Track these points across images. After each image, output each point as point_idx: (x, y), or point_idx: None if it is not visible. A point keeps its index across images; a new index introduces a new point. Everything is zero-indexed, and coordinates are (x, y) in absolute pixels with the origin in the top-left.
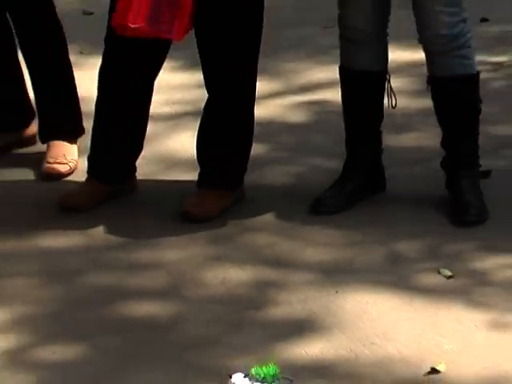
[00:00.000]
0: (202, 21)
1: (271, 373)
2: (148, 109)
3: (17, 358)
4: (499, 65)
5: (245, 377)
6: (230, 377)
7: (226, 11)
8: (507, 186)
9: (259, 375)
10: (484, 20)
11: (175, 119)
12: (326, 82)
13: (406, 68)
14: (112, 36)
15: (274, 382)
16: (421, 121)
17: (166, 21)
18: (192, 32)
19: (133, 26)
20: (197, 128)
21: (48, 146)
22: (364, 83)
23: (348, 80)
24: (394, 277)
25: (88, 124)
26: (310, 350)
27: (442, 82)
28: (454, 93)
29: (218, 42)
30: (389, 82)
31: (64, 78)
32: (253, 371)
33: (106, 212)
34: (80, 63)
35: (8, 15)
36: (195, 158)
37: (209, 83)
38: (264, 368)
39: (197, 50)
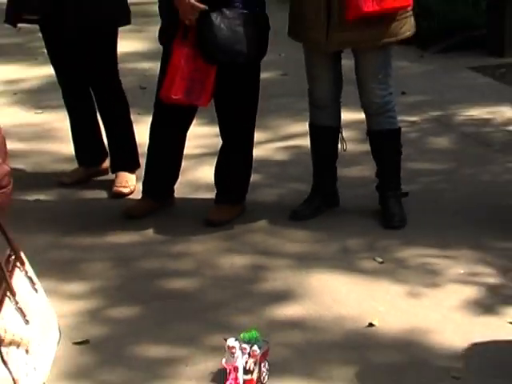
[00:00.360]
0: (219, 93)
1: (254, 336)
2: (182, 150)
3: (95, 315)
4: (413, 122)
5: (235, 340)
6: (226, 340)
7: (235, 88)
8: (419, 202)
9: (245, 338)
10: (403, 93)
11: (200, 157)
12: (300, 133)
13: (353, 124)
14: (159, 103)
15: (255, 342)
16: (362, 159)
17: (196, 93)
18: (212, 101)
19: (174, 97)
20: (214, 163)
21: (116, 176)
22: (325, 135)
23: (314, 132)
24: (345, 263)
25: (142, 160)
26: (288, 311)
27: (376, 134)
28: (384, 141)
29: (229, 107)
30: (341, 133)
31: (127, 130)
32: (241, 336)
33: (154, 219)
34: (137, 121)
35: (91, 89)
36: (213, 183)
37: (223, 133)
38: (248, 333)
39: (215, 112)
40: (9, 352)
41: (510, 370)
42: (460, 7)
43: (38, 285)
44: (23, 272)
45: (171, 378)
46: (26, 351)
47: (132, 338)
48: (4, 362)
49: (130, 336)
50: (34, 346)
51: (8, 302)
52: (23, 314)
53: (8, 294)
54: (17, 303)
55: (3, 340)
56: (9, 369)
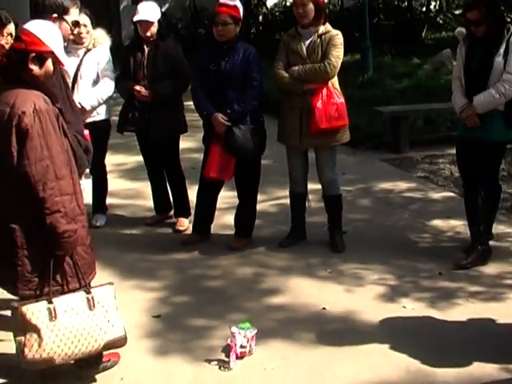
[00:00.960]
0: (237, 173)
1: (247, 326)
2: (215, 205)
3: (164, 301)
4: (349, 191)
5: (236, 327)
6: (230, 327)
7: (246, 170)
8: (352, 237)
9: (242, 326)
10: (343, 173)
11: (225, 209)
12: (283, 196)
13: (315, 191)
14: (203, 177)
15: (248, 329)
16: (320, 211)
17: (224, 173)
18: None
19: (211, 175)
20: (234, 213)
21: (176, 219)
22: (298, 198)
23: (292, 196)
24: (309, 272)
25: (192, 210)
26: (275, 300)
27: (328, 197)
28: (332, 202)
29: (243, 180)
30: (307, 196)
31: (184, 193)
32: (240, 325)
33: (199, 245)
34: (192, 189)
35: (164, 169)
36: (233, 224)
37: (239, 196)
38: (244, 324)
39: (234, 183)
40: None
41: (410, 333)
42: (376, 125)
43: (99, 306)
44: (88, 295)
45: (206, 338)
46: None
47: (186, 314)
48: None
49: (185, 313)
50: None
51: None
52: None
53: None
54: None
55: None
56: None
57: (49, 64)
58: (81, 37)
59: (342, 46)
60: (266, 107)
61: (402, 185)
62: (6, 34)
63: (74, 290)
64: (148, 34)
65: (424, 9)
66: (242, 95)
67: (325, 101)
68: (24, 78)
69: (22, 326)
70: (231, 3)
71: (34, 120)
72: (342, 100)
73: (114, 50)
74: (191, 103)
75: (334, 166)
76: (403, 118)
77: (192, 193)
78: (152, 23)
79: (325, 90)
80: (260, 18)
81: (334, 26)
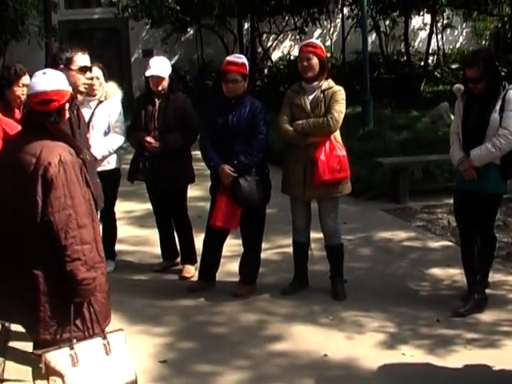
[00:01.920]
0: (242, 222)
1: None
2: (221, 252)
3: (171, 346)
4: (350, 240)
5: None
6: None
7: (251, 219)
8: (353, 286)
9: None
10: (345, 223)
11: (231, 257)
12: (287, 245)
13: (317, 240)
14: (209, 226)
15: None
16: (322, 260)
17: (230, 222)
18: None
19: (218, 224)
20: (239, 260)
21: (183, 266)
22: (301, 247)
23: (295, 246)
24: (311, 319)
25: (198, 258)
26: (278, 346)
27: (329, 246)
28: (334, 251)
29: (248, 229)
30: (310, 245)
31: (190, 241)
32: None
33: (204, 292)
34: (198, 236)
35: (171, 217)
36: (238, 272)
37: (244, 244)
38: None
39: (240, 232)
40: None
41: (409, 379)
42: (376, 176)
43: (114, 351)
44: (104, 340)
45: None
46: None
47: (191, 360)
48: None
49: (190, 358)
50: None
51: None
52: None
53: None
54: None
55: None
56: None
57: (66, 108)
58: (93, 89)
59: (344, 101)
60: (271, 158)
61: (402, 234)
62: (21, 85)
63: (92, 336)
64: (159, 88)
65: (422, 63)
66: (248, 147)
67: (328, 154)
68: (49, 130)
69: (45, 372)
70: (239, 61)
71: (58, 170)
72: (344, 153)
73: (124, 100)
74: (199, 153)
75: (336, 216)
76: (403, 169)
77: (198, 240)
78: (163, 78)
79: (328, 144)
80: (265, 70)
81: (336, 80)
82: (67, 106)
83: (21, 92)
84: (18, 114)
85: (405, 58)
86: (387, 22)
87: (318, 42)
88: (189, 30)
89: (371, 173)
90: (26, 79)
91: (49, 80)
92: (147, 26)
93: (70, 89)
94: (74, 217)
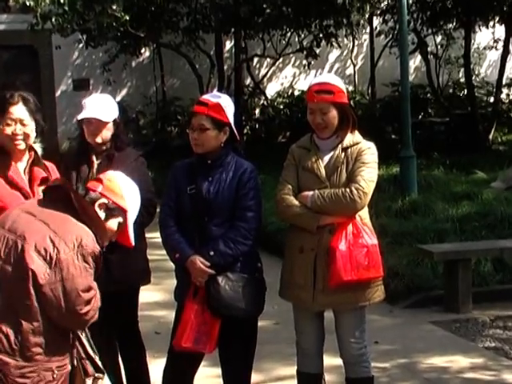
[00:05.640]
0: (222, 343)
1: None
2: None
3: None
4: (384, 369)
5: None
6: None
7: (236, 339)
8: None
9: None
10: (376, 342)
11: None
12: (288, 376)
13: (334, 369)
14: (172, 349)
15: None
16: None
17: (203, 342)
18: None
19: (185, 345)
20: None
21: None
22: (309, 379)
23: (300, 379)
24: None
25: None
26: None
27: (353, 381)
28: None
29: (230, 355)
30: (324, 379)
31: (142, 370)
32: None
33: None
34: (152, 362)
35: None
36: None
37: (224, 376)
38: None
39: (218, 356)
40: None
41: None
42: (421, 271)
43: None
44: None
45: None
46: None
47: None
48: None
49: None
50: None
51: None
52: None
53: None
54: None
55: None
56: None
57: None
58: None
59: (376, 164)
60: (265, 246)
61: (463, 360)
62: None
63: None
64: (98, 139)
65: (492, 99)
66: (231, 231)
67: (350, 242)
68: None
69: None
70: (213, 100)
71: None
72: (375, 241)
73: (45, 155)
74: (158, 238)
75: (363, 334)
76: (463, 260)
77: (156, 370)
78: (104, 124)
79: (350, 227)
80: (256, 112)
81: (362, 126)
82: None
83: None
84: (16, 168)
85: (465, 91)
86: (438, 39)
87: (336, 80)
88: (143, 50)
89: (415, 266)
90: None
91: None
92: (80, 45)
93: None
94: None
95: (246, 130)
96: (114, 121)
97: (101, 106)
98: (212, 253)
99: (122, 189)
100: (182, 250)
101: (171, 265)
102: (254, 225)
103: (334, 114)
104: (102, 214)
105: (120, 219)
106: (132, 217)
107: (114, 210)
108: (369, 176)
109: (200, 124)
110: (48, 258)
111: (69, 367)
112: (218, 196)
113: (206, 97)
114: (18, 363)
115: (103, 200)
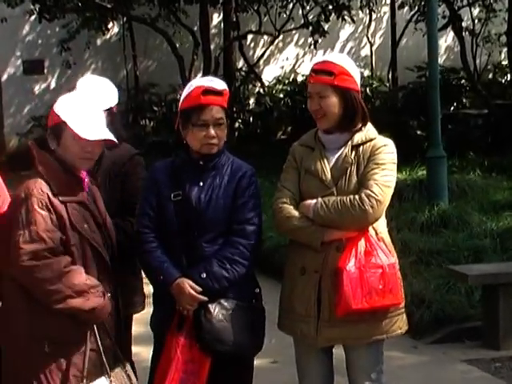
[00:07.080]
0: (213, 382)
1: None
2: None
3: None
4: None
5: None
6: None
7: (229, 379)
8: None
9: None
10: None
11: None
12: None
13: None
14: None
15: None
16: None
17: (190, 383)
18: None
19: None
20: None
21: None
22: None
23: None
24: None
25: None
26: None
27: None
28: None
29: None
30: None
31: None
32: None
33: None
34: None
35: None
36: None
37: None
38: None
39: None
40: None
41: None
42: (453, 297)
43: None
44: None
45: None
46: None
47: None
48: None
49: None
50: None
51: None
52: None
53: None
54: None
55: None
56: None
57: None
58: None
59: (394, 167)
60: (261, 266)
61: None
62: None
63: None
64: None
65: None
66: (227, 248)
67: (361, 261)
68: None
69: None
70: (219, 88)
71: None
72: (392, 260)
73: None
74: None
75: (380, 376)
76: (504, 284)
77: None
78: None
79: (362, 243)
80: (251, 102)
81: (381, 119)
82: None
83: None
84: None
85: (508, 76)
86: (475, 12)
87: (342, 60)
88: (111, 25)
89: (445, 292)
90: None
91: None
92: (32, 18)
93: None
94: None
95: (237, 124)
96: (110, 110)
97: (95, 93)
98: (204, 275)
99: (55, 108)
100: (166, 272)
101: (149, 287)
102: (255, 241)
103: (333, 100)
104: (53, 143)
105: (69, 132)
106: (76, 119)
107: (57, 129)
108: (383, 180)
109: (217, 118)
110: None
111: None
112: (211, 205)
113: (211, 84)
114: None
115: (48, 132)
